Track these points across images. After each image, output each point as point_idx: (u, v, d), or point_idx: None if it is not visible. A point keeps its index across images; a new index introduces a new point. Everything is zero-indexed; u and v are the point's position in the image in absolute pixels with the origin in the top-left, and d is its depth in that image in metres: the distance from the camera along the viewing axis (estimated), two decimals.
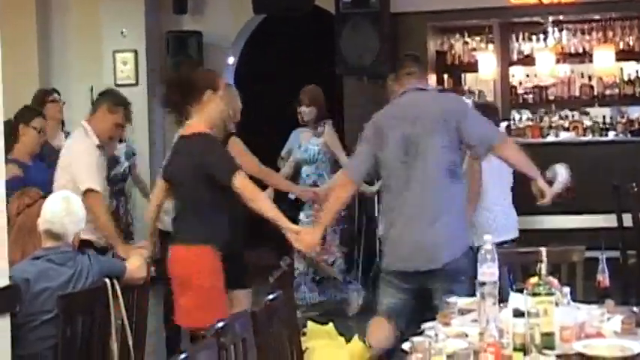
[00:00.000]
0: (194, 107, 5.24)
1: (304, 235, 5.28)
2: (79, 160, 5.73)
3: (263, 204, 5.23)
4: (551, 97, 10.90)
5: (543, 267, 3.67)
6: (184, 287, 5.14)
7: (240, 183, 5.11)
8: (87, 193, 5.57)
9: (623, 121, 10.39)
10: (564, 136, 10.28)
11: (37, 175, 6.12)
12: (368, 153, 5.18)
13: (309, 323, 5.46)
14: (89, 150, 5.77)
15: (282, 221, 5.26)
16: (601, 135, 10.25)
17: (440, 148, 4.98)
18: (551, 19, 10.57)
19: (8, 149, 6.08)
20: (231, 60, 11.64)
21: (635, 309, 4.02)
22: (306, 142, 8.12)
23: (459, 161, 5.16)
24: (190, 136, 5.22)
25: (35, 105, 7.23)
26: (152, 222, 5.60)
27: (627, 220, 7.43)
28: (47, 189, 6.13)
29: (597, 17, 10.52)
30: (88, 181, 5.65)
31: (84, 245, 5.43)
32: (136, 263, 4.72)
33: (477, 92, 10.93)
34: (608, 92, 10.63)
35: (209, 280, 5.12)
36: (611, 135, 10.20)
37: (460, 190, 5.16)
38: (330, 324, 5.51)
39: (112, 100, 5.92)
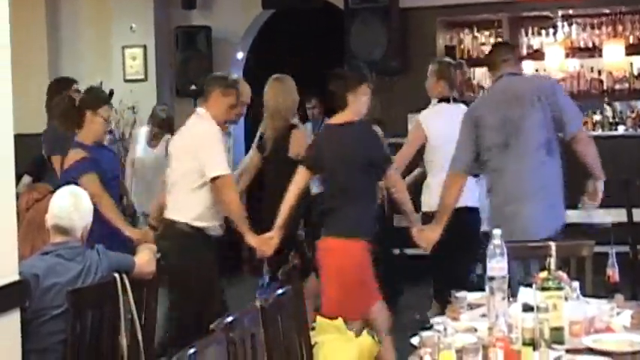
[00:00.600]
0: (350, 98, 5.42)
1: (426, 232, 5.45)
2: (207, 145, 5.67)
3: (407, 197, 5.52)
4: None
5: (552, 261, 3.67)
6: (333, 279, 5.28)
7: (394, 172, 5.40)
8: (217, 179, 5.58)
9: (633, 115, 10.35)
10: None
11: (102, 159, 6.06)
12: (468, 142, 5.45)
13: (318, 318, 5.47)
14: (215, 134, 5.72)
15: (413, 217, 5.56)
16: (610, 129, 10.22)
17: (537, 125, 5.31)
18: (560, 13, 10.53)
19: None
20: (240, 55, 11.66)
21: None
22: None
23: (554, 138, 5.39)
24: (344, 124, 5.41)
25: (56, 94, 7.14)
26: (288, 210, 5.59)
27: (637, 215, 7.43)
28: (114, 173, 6.18)
29: (607, 11, 10.48)
30: (220, 167, 5.62)
31: (196, 233, 5.63)
32: (144, 258, 4.70)
33: (486, 87, 10.90)
34: (617, 87, 10.58)
35: (359, 274, 5.31)
36: (620, 129, 10.17)
37: (556, 167, 5.41)
38: (340, 319, 5.52)
39: (223, 83, 5.90)
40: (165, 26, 11.41)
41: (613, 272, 4.16)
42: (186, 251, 5.57)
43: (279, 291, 3.91)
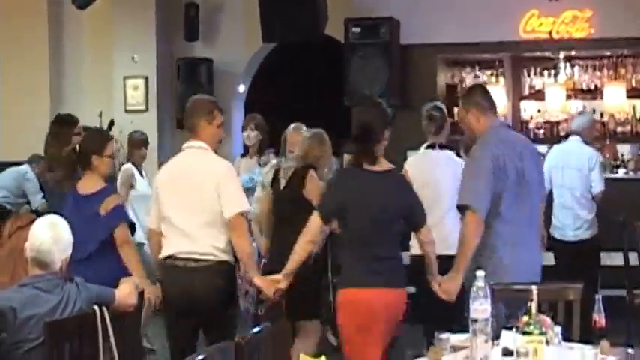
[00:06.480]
0: None
1: (447, 283, 5.15)
2: None
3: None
4: (562, 133, 10.81)
5: (534, 305, 3.61)
6: None
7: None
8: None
9: (635, 159, 10.29)
10: None
11: None
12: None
13: (301, 355, 5.40)
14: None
15: (434, 269, 5.23)
16: (611, 172, 10.14)
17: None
18: (562, 54, 10.54)
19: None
20: (241, 88, 11.66)
21: (630, 350, 3.94)
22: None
23: None
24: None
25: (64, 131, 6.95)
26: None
27: (633, 258, 7.37)
28: None
29: (608, 54, 10.47)
30: None
31: None
32: (125, 290, 4.64)
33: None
34: (619, 129, 10.55)
35: None
36: (620, 172, 10.12)
37: None
38: (323, 357, 5.44)
39: None
40: (167, 57, 11.44)
41: (599, 317, 4.09)
42: None
43: (256, 328, 3.85)
